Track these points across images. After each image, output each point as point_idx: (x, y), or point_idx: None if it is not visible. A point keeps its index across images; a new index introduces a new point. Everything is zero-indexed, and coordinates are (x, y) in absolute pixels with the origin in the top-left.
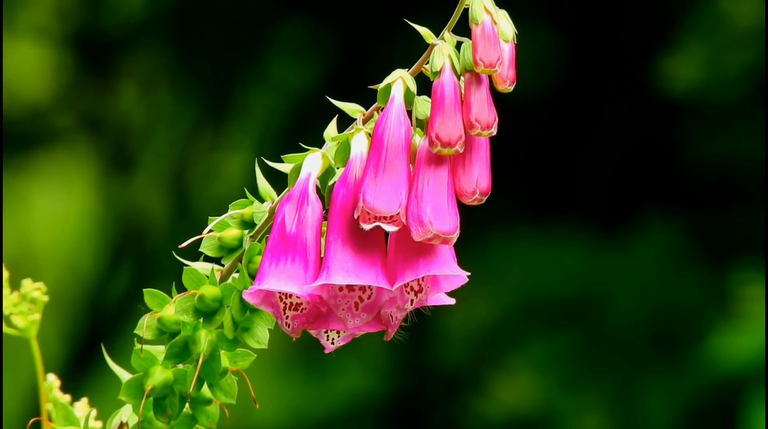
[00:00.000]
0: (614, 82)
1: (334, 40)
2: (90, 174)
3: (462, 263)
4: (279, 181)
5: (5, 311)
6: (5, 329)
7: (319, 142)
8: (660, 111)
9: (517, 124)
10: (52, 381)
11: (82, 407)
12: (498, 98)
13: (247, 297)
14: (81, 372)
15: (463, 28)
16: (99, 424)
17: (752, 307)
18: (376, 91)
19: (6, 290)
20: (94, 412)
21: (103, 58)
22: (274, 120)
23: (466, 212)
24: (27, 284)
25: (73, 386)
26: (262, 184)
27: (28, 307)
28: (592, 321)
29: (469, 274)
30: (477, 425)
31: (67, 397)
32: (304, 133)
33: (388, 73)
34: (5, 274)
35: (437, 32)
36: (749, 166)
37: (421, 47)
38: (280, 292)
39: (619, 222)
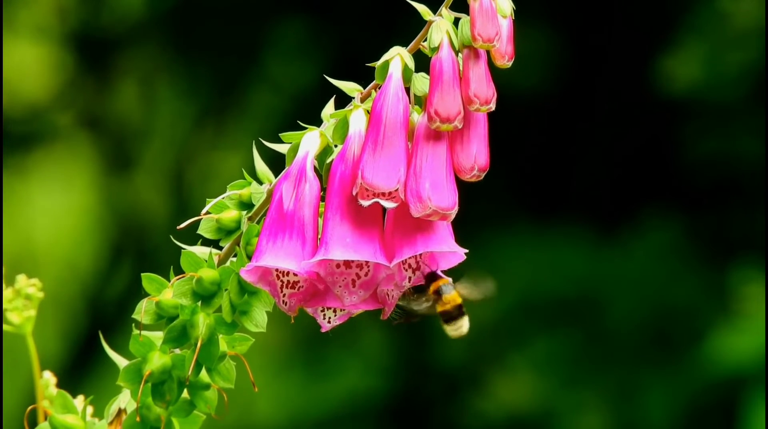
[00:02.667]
0: (614, 81)
1: (334, 39)
2: (89, 172)
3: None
4: (279, 171)
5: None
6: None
7: None
8: (660, 110)
9: (517, 123)
10: (48, 378)
11: (78, 404)
12: (498, 97)
13: (245, 274)
14: (80, 370)
15: (461, 6)
16: (96, 420)
17: (752, 306)
18: (373, 80)
19: (3, 287)
20: (90, 409)
21: (102, 56)
22: (273, 119)
23: (466, 211)
24: (22, 280)
25: (72, 384)
26: (260, 166)
27: (23, 303)
28: (592, 320)
29: (467, 251)
30: (477, 424)
31: None
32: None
33: None
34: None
35: (435, 10)
36: (749, 165)
37: None
38: (277, 270)
39: (619, 221)
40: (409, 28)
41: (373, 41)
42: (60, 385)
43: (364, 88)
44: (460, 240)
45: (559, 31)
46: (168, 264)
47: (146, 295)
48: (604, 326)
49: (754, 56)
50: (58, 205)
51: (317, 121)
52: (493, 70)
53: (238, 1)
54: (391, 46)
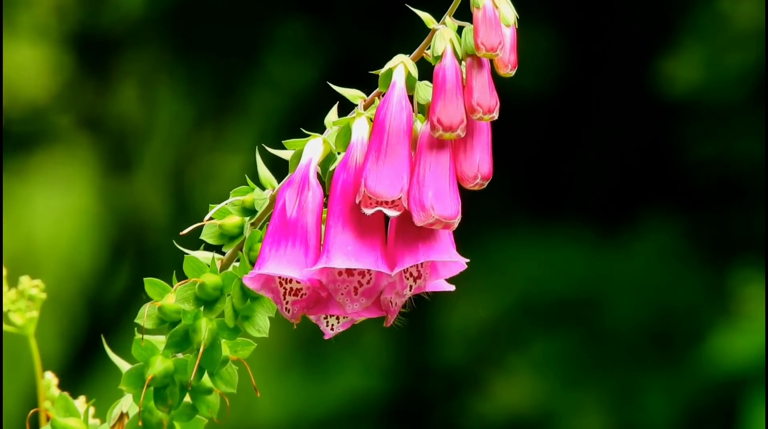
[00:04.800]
0: (614, 82)
1: (334, 39)
2: (89, 173)
3: None
4: (280, 174)
5: (3, 308)
6: (3, 327)
7: None
8: (660, 112)
9: (517, 124)
10: (50, 379)
11: (80, 405)
12: (498, 97)
13: (247, 282)
14: (81, 370)
15: (464, 14)
16: (97, 421)
17: (752, 307)
18: (376, 85)
19: (4, 288)
20: (92, 410)
21: (102, 57)
22: (273, 120)
23: (465, 211)
24: (25, 281)
25: (72, 384)
26: (263, 171)
27: (26, 304)
28: (592, 321)
29: (468, 260)
30: (476, 425)
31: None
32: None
33: None
34: (4, 272)
35: (438, 18)
36: (749, 167)
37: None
38: (280, 277)
39: (619, 222)
40: (409, 28)
41: (373, 41)
42: (60, 385)
43: (366, 91)
44: (460, 240)
45: (559, 31)
46: (168, 265)
47: (148, 298)
48: (603, 327)
49: (754, 58)
50: (59, 206)
51: (317, 123)
52: (496, 75)
53: (238, 1)
54: (391, 47)
